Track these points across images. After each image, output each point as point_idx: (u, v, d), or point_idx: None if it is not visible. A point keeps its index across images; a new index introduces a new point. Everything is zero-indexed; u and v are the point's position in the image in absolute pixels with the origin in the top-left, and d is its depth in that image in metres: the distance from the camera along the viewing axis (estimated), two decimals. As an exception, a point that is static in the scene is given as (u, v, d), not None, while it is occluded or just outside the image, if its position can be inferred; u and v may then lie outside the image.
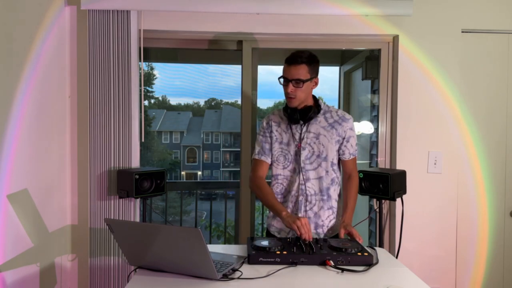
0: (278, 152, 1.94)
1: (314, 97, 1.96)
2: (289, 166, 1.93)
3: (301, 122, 1.90)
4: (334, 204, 1.95)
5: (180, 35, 2.58)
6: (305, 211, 1.90)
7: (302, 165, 1.90)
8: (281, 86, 1.91)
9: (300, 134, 1.91)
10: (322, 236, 1.91)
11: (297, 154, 1.91)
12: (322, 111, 1.94)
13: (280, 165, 1.94)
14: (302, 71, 1.82)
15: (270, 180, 2.00)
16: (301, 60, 1.83)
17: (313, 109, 1.88)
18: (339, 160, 1.98)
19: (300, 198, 1.90)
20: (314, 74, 1.88)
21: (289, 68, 1.84)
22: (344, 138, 1.94)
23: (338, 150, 1.95)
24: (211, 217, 3.98)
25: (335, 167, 1.95)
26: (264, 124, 2.00)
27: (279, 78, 1.89)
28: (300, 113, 1.87)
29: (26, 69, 2.06)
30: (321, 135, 1.91)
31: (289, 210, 1.90)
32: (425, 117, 2.56)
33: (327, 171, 1.91)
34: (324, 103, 1.99)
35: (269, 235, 1.99)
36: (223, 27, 2.51)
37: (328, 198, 1.92)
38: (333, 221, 1.94)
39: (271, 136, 1.96)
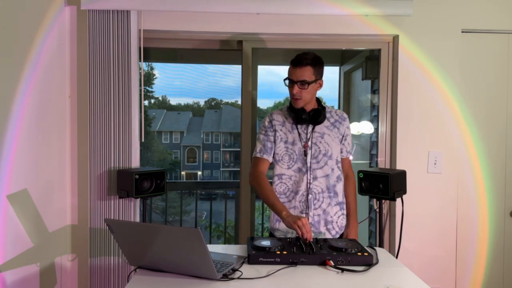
0: (283, 151, 1.96)
1: (317, 98, 2.00)
2: (293, 166, 1.95)
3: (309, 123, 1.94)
4: (342, 199, 2.01)
5: (180, 35, 2.58)
6: (315, 209, 1.93)
7: (309, 164, 1.93)
8: (282, 87, 1.95)
9: (307, 134, 1.95)
10: (333, 232, 1.96)
11: (304, 153, 1.94)
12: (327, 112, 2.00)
13: (285, 165, 1.95)
14: (307, 73, 1.86)
15: (271, 180, 2.00)
16: (307, 62, 1.86)
17: (323, 113, 1.93)
18: None
19: (309, 196, 1.93)
20: (319, 76, 1.92)
21: (295, 69, 1.87)
22: (343, 136, 2.03)
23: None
24: (211, 217, 3.98)
25: (339, 165, 2.01)
26: (266, 123, 2.00)
27: (284, 80, 1.93)
28: (310, 116, 1.92)
29: (26, 69, 2.06)
30: (325, 134, 1.97)
31: (297, 209, 1.94)
32: (425, 117, 2.56)
33: (332, 169, 1.96)
34: (324, 103, 2.02)
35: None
36: (223, 27, 2.51)
37: (334, 194, 1.97)
38: (341, 217, 1.99)
39: (275, 135, 1.97)
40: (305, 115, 1.91)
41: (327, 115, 1.99)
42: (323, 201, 1.95)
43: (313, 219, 1.93)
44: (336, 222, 1.97)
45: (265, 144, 1.98)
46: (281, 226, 1.95)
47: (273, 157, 1.99)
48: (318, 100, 2.00)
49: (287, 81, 1.92)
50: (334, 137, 1.98)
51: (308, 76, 1.86)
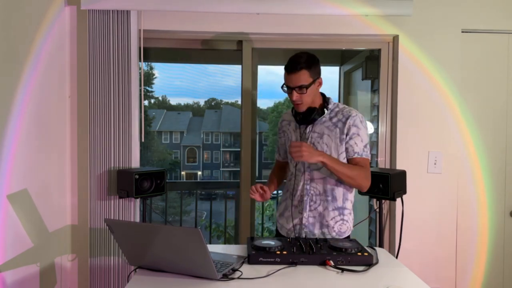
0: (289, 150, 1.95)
1: (323, 96, 1.92)
2: (297, 165, 1.92)
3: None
4: (342, 204, 1.89)
5: (180, 35, 2.58)
6: (310, 210, 1.88)
7: (307, 164, 1.89)
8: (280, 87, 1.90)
9: (305, 134, 1.90)
10: (328, 236, 1.87)
11: None
12: (329, 111, 1.89)
13: (292, 163, 1.96)
14: (303, 77, 1.78)
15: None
16: (301, 66, 1.77)
17: (316, 110, 1.83)
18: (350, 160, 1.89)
19: (305, 198, 1.88)
20: (317, 75, 1.83)
21: (290, 76, 1.80)
22: (347, 135, 1.85)
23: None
24: (211, 217, 3.98)
25: None
26: (279, 124, 2.09)
27: (282, 87, 1.85)
28: (302, 115, 1.85)
29: (26, 69, 2.06)
30: (324, 134, 1.87)
31: (294, 208, 1.92)
32: (425, 117, 2.56)
33: (331, 172, 1.83)
34: (333, 102, 1.92)
35: (278, 235, 2.03)
36: (223, 27, 2.51)
37: (333, 199, 1.87)
38: (339, 223, 1.88)
39: (284, 135, 2.05)
40: (299, 115, 1.86)
41: (331, 114, 1.88)
42: (320, 203, 1.88)
43: (308, 220, 1.88)
44: (333, 227, 1.87)
45: (277, 145, 2.13)
46: (281, 220, 1.99)
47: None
48: (324, 98, 1.91)
49: (285, 88, 1.85)
50: (335, 138, 1.85)
51: (305, 80, 1.78)
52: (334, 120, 1.88)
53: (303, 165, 1.90)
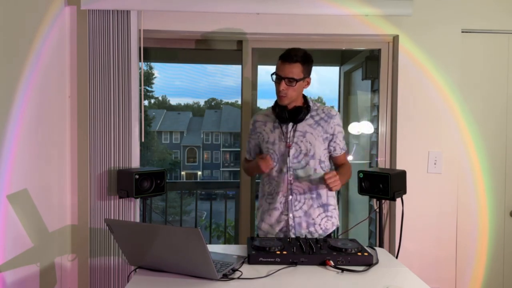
0: (265, 151, 1.94)
1: (304, 95, 1.96)
2: (275, 166, 1.92)
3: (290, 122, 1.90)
4: (327, 201, 1.94)
5: (180, 35, 2.58)
6: (295, 210, 1.90)
7: (289, 164, 1.90)
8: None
9: (287, 133, 1.90)
10: (315, 235, 1.92)
11: (285, 153, 1.90)
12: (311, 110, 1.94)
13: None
14: (296, 70, 1.81)
15: (258, 180, 2.07)
16: (296, 58, 1.80)
17: (303, 110, 1.87)
18: (330, 157, 2.01)
19: (290, 197, 1.90)
20: (307, 74, 1.88)
21: (284, 65, 1.81)
22: (333, 135, 1.94)
23: (328, 147, 1.96)
24: (211, 217, 3.98)
25: (324, 165, 1.95)
26: (251, 126, 2.07)
27: (272, 74, 1.87)
28: (289, 114, 1.86)
29: (26, 69, 2.06)
30: (307, 133, 1.90)
31: (278, 210, 1.93)
32: (425, 117, 2.56)
33: (315, 169, 1.91)
34: (312, 100, 1.97)
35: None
36: (223, 27, 2.51)
37: (317, 196, 1.92)
38: (325, 219, 1.93)
39: (258, 137, 2.01)
40: (285, 113, 1.85)
41: (313, 113, 1.92)
42: (304, 202, 1.91)
43: (294, 220, 1.90)
44: (319, 225, 1.92)
45: (249, 146, 2.11)
46: (263, 226, 1.96)
47: None
48: (305, 98, 1.95)
49: (274, 76, 1.86)
50: (318, 136, 1.90)
51: (297, 74, 1.81)
52: (316, 118, 1.93)
53: (285, 165, 1.90)
